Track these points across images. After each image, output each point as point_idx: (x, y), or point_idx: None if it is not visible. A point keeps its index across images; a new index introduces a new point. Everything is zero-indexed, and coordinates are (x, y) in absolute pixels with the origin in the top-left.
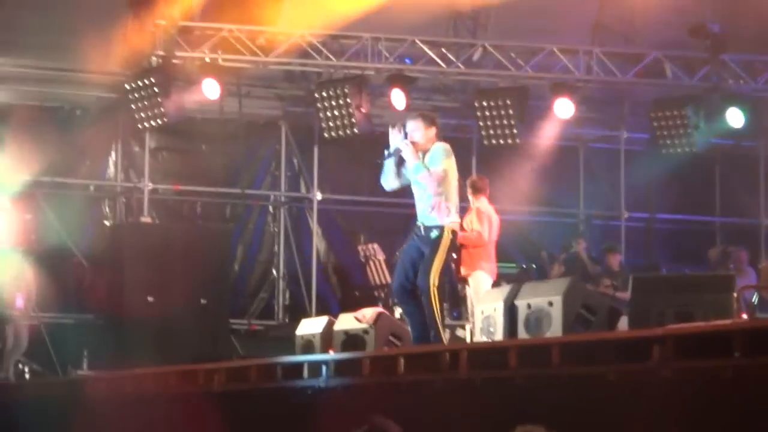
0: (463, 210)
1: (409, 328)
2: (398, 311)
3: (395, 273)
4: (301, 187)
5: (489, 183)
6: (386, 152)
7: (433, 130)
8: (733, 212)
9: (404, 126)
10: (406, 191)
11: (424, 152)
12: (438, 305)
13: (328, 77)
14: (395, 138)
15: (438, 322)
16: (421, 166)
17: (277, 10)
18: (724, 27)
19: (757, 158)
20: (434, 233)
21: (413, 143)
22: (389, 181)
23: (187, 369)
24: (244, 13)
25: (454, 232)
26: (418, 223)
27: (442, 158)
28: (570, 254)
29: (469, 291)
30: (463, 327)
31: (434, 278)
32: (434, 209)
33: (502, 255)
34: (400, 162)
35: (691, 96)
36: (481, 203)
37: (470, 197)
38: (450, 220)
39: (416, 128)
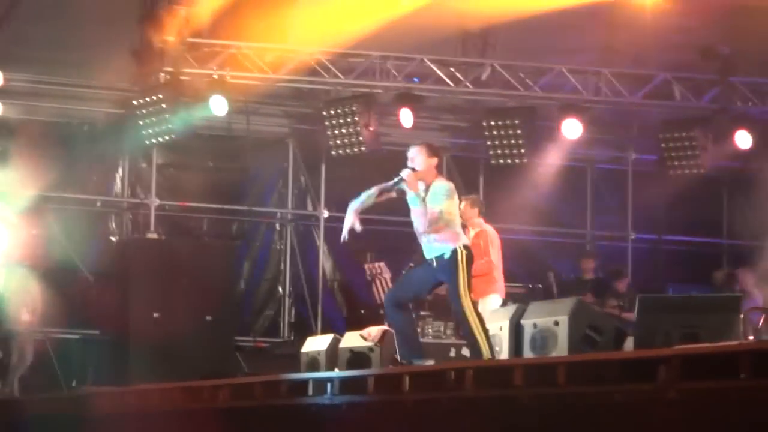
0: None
1: (397, 343)
2: None
3: (395, 284)
4: (308, 204)
5: (495, 202)
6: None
7: (434, 161)
8: (741, 234)
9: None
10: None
11: (425, 184)
12: (479, 323)
13: (336, 95)
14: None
15: (479, 338)
16: (418, 200)
17: (286, 28)
18: (733, 49)
19: (765, 180)
20: (447, 255)
21: (412, 169)
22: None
23: (192, 385)
24: (252, 30)
25: (467, 247)
26: (428, 257)
27: (444, 199)
28: (593, 280)
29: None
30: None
31: (466, 300)
32: (445, 241)
33: (508, 275)
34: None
35: (699, 118)
36: (486, 225)
37: (476, 219)
38: (460, 243)
39: (418, 154)
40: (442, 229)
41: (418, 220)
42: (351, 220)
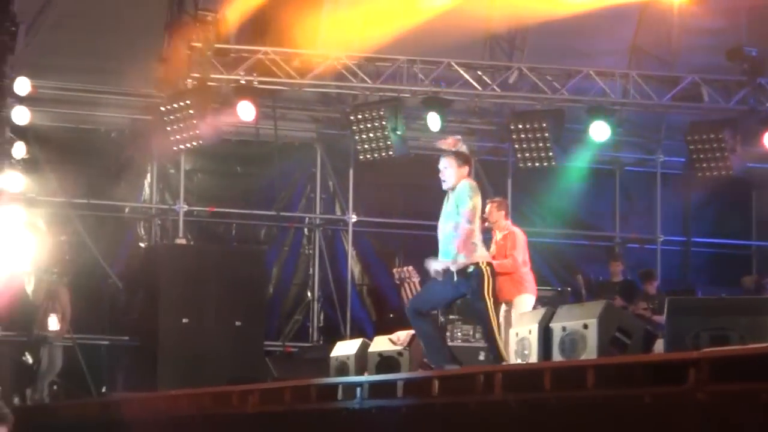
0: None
1: (424, 349)
2: None
3: (418, 295)
4: (336, 209)
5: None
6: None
7: (465, 170)
8: None
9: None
10: (440, 214)
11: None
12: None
13: (363, 100)
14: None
15: (498, 341)
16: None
17: (313, 33)
18: (761, 50)
19: None
20: (470, 268)
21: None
22: None
23: (221, 390)
24: (279, 35)
25: (488, 264)
26: (451, 269)
27: (470, 196)
28: (622, 282)
29: (513, 313)
30: None
31: (491, 319)
32: (460, 249)
33: (537, 277)
34: None
35: (728, 119)
36: (513, 227)
37: (503, 221)
38: (478, 254)
39: (448, 165)
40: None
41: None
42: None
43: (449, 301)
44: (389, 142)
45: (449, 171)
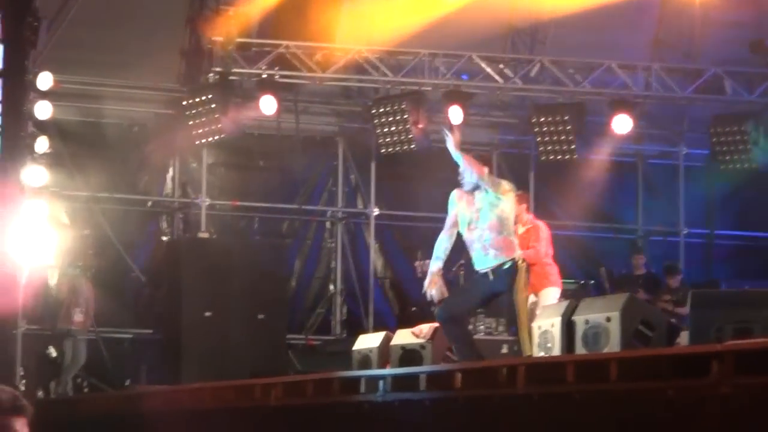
0: None
1: (456, 352)
2: None
3: (450, 300)
4: (358, 202)
5: (545, 199)
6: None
7: (485, 170)
8: None
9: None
10: None
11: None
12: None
13: (385, 93)
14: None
15: (524, 335)
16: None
17: (335, 27)
18: None
19: None
20: (507, 265)
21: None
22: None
23: (244, 384)
24: (301, 29)
25: (524, 260)
26: (484, 269)
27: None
28: (645, 275)
29: (538, 305)
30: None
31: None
32: (502, 249)
33: (560, 270)
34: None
35: (751, 112)
36: (536, 221)
37: (525, 215)
38: (517, 254)
39: (467, 169)
40: (500, 234)
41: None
42: (434, 283)
43: (485, 302)
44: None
45: (468, 172)
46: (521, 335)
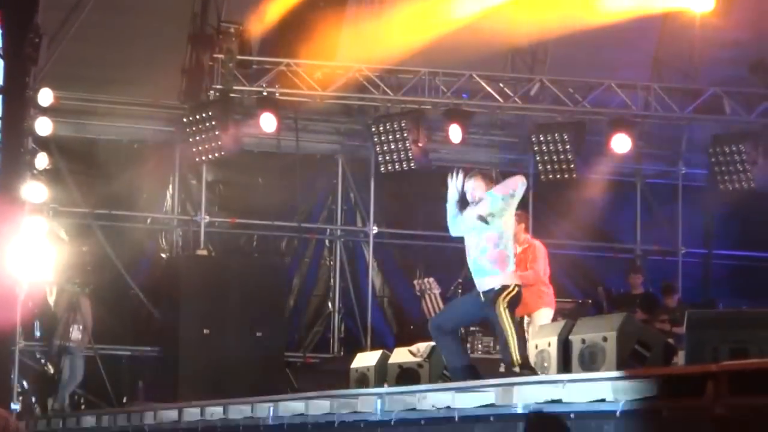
0: None
1: (446, 361)
2: None
3: (441, 312)
4: (358, 220)
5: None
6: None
7: (492, 186)
8: None
9: (456, 173)
10: None
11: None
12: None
13: (385, 111)
14: (452, 184)
15: (511, 341)
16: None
17: (335, 45)
18: None
19: None
20: (498, 288)
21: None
22: (458, 226)
23: (241, 401)
24: (302, 47)
25: (518, 286)
26: (478, 288)
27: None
28: (643, 295)
29: (531, 327)
30: None
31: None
32: (496, 262)
33: (558, 289)
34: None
35: (750, 132)
36: (533, 240)
37: (522, 234)
38: (510, 269)
39: (477, 187)
40: (497, 247)
41: (473, 247)
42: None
43: (473, 322)
44: None
45: (479, 191)
46: (508, 342)
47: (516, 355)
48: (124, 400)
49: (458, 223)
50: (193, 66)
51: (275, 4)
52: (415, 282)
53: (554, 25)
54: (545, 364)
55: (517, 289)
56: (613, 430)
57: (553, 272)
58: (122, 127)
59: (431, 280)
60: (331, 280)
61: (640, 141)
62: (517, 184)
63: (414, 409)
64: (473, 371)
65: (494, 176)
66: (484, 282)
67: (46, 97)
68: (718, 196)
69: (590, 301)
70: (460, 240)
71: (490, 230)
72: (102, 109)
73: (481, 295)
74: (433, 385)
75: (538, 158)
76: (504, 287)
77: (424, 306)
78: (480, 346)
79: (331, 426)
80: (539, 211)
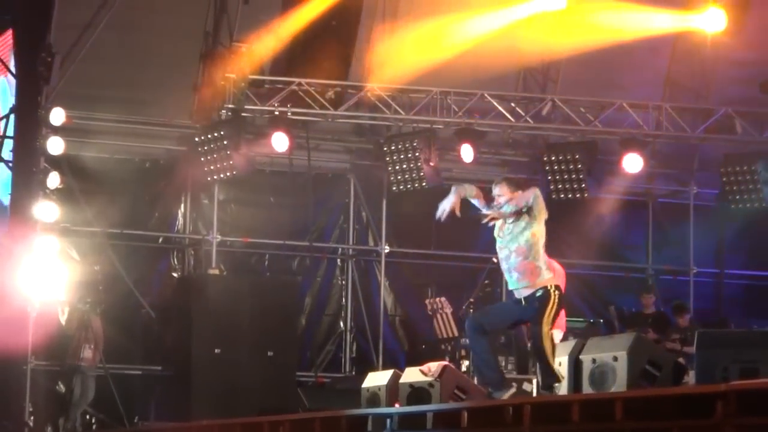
0: None
1: (475, 372)
2: (465, 364)
3: (483, 311)
4: (369, 240)
5: (556, 237)
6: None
7: (518, 194)
8: None
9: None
10: (473, 246)
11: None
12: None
13: (397, 131)
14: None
15: (551, 362)
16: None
17: (347, 64)
18: None
19: None
20: (539, 292)
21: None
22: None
23: (253, 421)
24: (314, 66)
25: (557, 287)
26: (517, 296)
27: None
28: (655, 314)
29: None
30: (530, 381)
31: (546, 327)
32: (525, 275)
33: (569, 309)
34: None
35: (761, 151)
36: (552, 262)
37: None
38: (545, 277)
39: (502, 193)
40: (526, 259)
41: (505, 255)
42: (452, 201)
43: (513, 325)
44: None
45: (503, 198)
46: (550, 367)
47: (558, 372)
48: (136, 420)
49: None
50: (205, 85)
51: (287, 23)
52: (427, 301)
53: (566, 45)
54: (556, 384)
55: (557, 293)
56: None
57: (566, 292)
58: (134, 146)
59: (443, 299)
60: (343, 300)
61: (651, 160)
62: (530, 198)
63: (425, 429)
64: (505, 382)
65: (519, 183)
66: (519, 292)
67: (58, 116)
68: (730, 215)
69: (602, 320)
70: (473, 260)
71: (518, 244)
72: (114, 129)
73: (522, 301)
74: (444, 405)
75: (549, 178)
76: (544, 290)
77: (436, 325)
78: None
79: None
80: (550, 230)
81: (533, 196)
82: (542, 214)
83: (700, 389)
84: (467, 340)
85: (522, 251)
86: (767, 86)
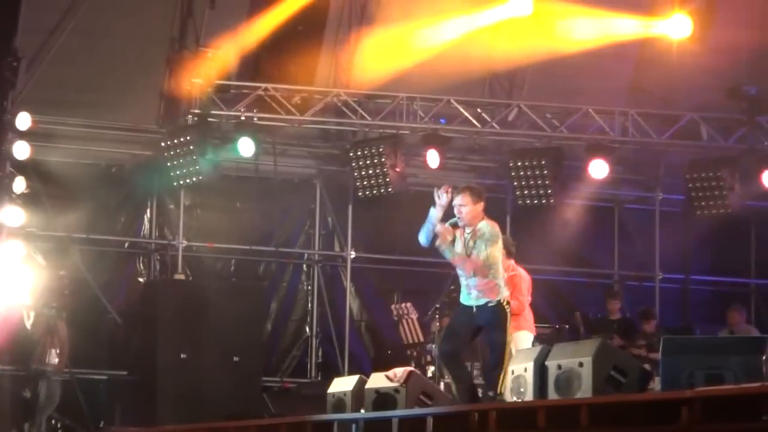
0: None
1: (457, 393)
2: (430, 370)
3: (443, 340)
4: (335, 245)
5: (522, 243)
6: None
7: (481, 205)
8: None
9: (445, 192)
10: (439, 252)
11: (470, 227)
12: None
13: (363, 136)
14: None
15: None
16: (450, 253)
17: (314, 70)
18: (760, 89)
19: None
20: (492, 303)
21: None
22: (426, 237)
23: (218, 426)
24: (280, 72)
25: (509, 303)
26: (468, 304)
27: (488, 245)
28: (621, 320)
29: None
30: None
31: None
32: (484, 292)
33: (535, 314)
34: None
35: (726, 158)
36: (518, 268)
37: (506, 261)
38: (504, 295)
39: (464, 203)
40: (486, 277)
41: (462, 276)
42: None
43: (473, 334)
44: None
45: (465, 209)
46: (498, 378)
47: (501, 386)
48: (101, 425)
49: (429, 237)
50: (171, 90)
51: (254, 28)
52: (393, 307)
53: (532, 51)
54: (521, 390)
55: (507, 306)
56: None
57: (532, 298)
58: (100, 150)
59: (409, 305)
60: (309, 305)
61: (617, 166)
62: (485, 254)
63: None
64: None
65: (481, 193)
66: (477, 301)
67: (24, 120)
68: (696, 221)
69: (567, 326)
70: (438, 266)
71: (475, 256)
72: (80, 133)
73: (474, 308)
74: (409, 411)
75: (515, 183)
76: (498, 302)
77: (402, 331)
78: None
79: None
80: (516, 236)
81: (483, 259)
82: (499, 242)
83: (665, 395)
84: (446, 369)
85: (481, 270)
86: (733, 92)
